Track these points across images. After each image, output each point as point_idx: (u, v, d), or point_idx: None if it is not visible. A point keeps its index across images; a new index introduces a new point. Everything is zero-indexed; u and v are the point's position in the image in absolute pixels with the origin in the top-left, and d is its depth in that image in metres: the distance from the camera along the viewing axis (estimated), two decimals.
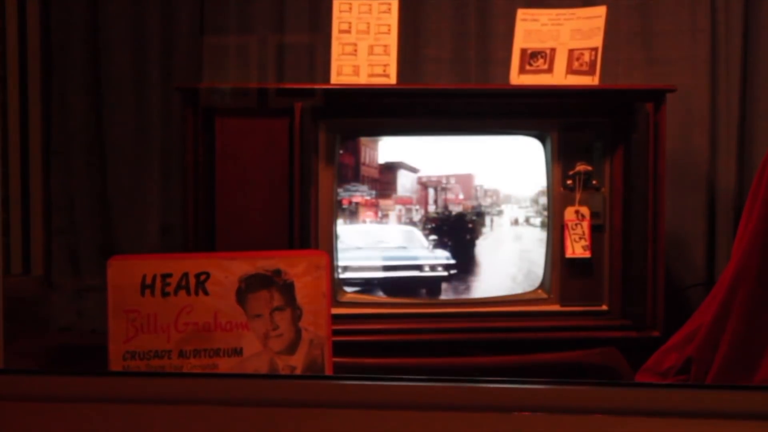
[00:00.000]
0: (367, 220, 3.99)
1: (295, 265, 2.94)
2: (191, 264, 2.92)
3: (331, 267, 3.66)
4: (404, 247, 4.04)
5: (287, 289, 2.93)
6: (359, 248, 4.01)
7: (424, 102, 4.04)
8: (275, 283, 2.93)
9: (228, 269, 2.92)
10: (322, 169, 3.90)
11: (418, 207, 4.03)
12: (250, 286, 2.93)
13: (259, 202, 3.82)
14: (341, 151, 3.97)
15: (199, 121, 3.78)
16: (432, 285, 4.07)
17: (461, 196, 4.04)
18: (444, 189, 4.05)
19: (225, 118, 3.82)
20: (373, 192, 4.00)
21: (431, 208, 4.04)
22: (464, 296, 4.05)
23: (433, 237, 4.04)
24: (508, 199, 4.05)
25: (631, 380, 3.57)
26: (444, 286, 4.05)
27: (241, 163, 3.83)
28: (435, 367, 3.77)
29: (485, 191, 4.06)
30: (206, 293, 2.91)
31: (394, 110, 4.02)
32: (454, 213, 4.04)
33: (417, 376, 2.20)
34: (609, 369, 3.72)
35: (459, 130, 4.02)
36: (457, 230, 4.04)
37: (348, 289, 3.96)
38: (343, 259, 3.96)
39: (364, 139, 4.04)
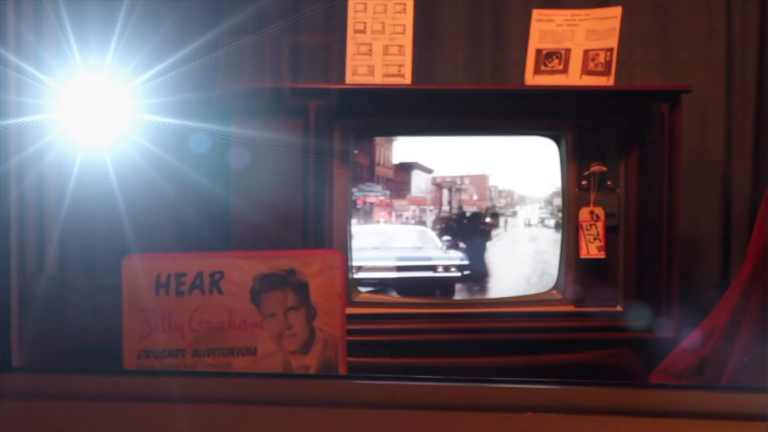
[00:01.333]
0: (381, 220, 3.99)
1: (309, 265, 2.84)
2: (205, 263, 2.83)
3: (346, 267, 3.65)
4: (418, 248, 4.03)
5: (301, 289, 2.84)
6: (373, 248, 4.01)
7: (439, 102, 4.02)
8: (289, 282, 2.83)
9: (242, 269, 2.83)
10: (337, 169, 3.90)
11: (432, 207, 4.02)
12: (264, 285, 2.83)
13: (274, 201, 3.81)
14: (356, 151, 3.96)
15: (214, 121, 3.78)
16: (446, 285, 4.06)
17: (475, 197, 4.02)
18: (458, 189, 4.04)
19: (240, 117, 3.83)
20: (388, 192, 3.99)
21: (445, 209, 4.03)
22: (478, 297, 4.04)
23: (446, 237, 4.04)
24: (522, 200, 4.03)
25: (646, 381, 3.55)
26: (458, 286, 4.05)
27: (256, 163, 3.83)
28: (449, 367, 3.75)
29: (499, 192, 4.05)
30: (221, 292, 2.83)
31: (409, 110, 4.01)
32: (468, 214, 4.03)
33: (431, 376, 2.20)
34: (623, 370, 3.70)
35: (474, 130, 4.01)
36: (471, 231, 4.03)
37: (362, 289, 3.96)
38: (357, 259, 3.96)
39: (378, 139, 4.03)
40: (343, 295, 2.87)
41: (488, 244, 3.90)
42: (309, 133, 3.80)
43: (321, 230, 3.80)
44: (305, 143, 3.79)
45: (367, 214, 3.86)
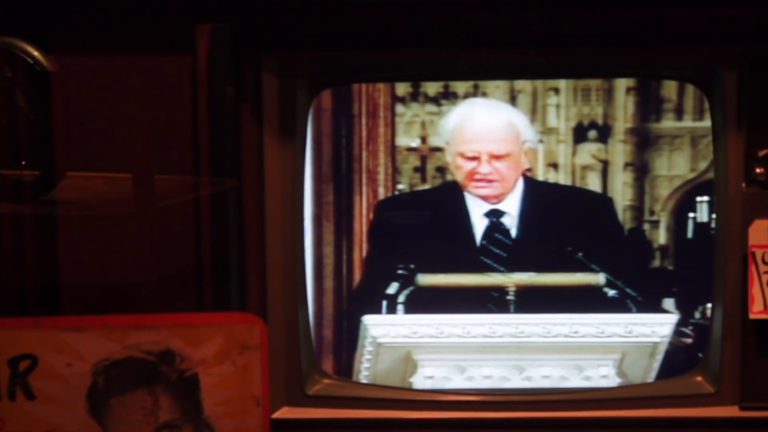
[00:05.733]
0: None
1: (201, 342, 2.06)
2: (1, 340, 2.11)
3: (298, 338, 2.33)
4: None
5: (185, 389, 2.07)
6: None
7: (460, 18, 2.53)
8: (163, 375, 2.06)
9: (74, 349, 2.06)
10: (271, 146, 2.38)
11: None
12: (115, 381, 2.07)
13: (139, 213, 2.34)
14: (314, 112, 2.48)
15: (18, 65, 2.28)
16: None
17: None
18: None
19: (69, 54, 2.31)
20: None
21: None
22: (560, 384, 2.71)
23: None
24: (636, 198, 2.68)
25: None
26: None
27: (101, 140, 2.32)
28: None
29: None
30: (30, 396, 2.05)
31: (408, 34, 2.51)
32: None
33: None
34: None
35: (534, 71, 2.57)
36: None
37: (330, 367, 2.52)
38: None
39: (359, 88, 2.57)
40: (265, 401, 2.12)
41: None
42: (199, 82, 2.31)
43: (226, 269, 2.32)
44: (194, 101, 2.28)
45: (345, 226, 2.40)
